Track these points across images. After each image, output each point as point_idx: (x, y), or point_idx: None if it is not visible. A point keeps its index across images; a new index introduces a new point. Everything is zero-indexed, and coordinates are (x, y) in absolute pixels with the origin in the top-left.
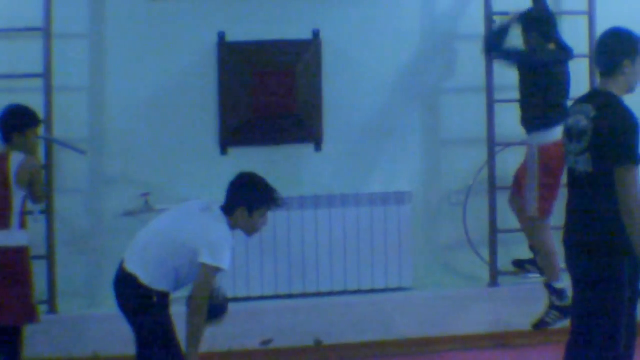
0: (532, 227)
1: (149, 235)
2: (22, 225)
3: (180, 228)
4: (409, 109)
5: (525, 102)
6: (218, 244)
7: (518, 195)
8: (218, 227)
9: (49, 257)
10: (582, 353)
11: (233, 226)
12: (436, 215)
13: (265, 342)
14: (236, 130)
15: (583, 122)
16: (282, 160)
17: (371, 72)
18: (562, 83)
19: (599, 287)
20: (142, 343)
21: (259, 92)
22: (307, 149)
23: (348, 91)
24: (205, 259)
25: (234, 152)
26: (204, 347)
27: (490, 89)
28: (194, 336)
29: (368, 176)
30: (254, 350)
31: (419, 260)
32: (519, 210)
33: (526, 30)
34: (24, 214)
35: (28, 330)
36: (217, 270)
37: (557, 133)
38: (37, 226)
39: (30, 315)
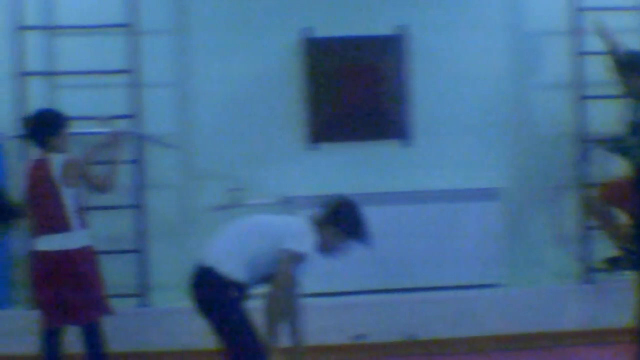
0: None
1: (227, 232)
2: (83, 224)
3: (262, 219)
4: (498, 105)
5: None
6: (301, 233)
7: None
8: (303, 224)
9: (141, 251)
10: None
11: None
12: (527, 212)
13: (358, 337)
14: (324, 126)
15: None
16: (370, 156)
17: (459, 68)
18: None
19: None
20: (224, 341)
21: (346, 88)
22: (395, 145)
23: (435, 87)
24: (287, 245)
25: (322, 147)
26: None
27: (579, 84)
28: (270, 325)
29: (457, 172)
30: (346, 344)
31: (511, 257)
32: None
33: (626, 76)
34: (81, 212)
35: (120, 323)
36: (298, 256)
37: None
38: (128, 220)
39: (102, 310)
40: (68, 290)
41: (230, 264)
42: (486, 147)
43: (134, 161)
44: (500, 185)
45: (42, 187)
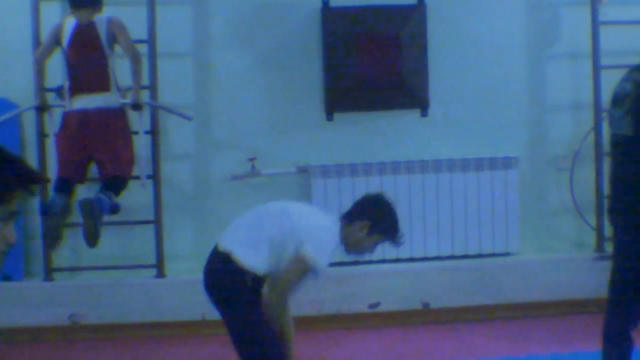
0: None
1: (246, 216)
2: (119, 87)
3: (286, 206)
4: (515, 75)
5: None
6: (324, 240)
7: None
8: (329, 225)
9: (157, 222)
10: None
11: (343, 236)
12: (543, 181)
13: (373, 305)
14: (341, 96)
15: (628, 87)
16: (388, 126)
17: (476, 37)
18: None
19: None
20: (235, 339)
21: (363, 58)
22: (413, 114)
23: (454, 57)
24: (306, 250)
25: (339, 118)
26: (313, 310)
27: (596, 54)
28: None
29: (474, 141)
30: (361, 313)
31: (526, 226)
32: None
33: None
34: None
35: (136, 294)
36: (311, 268)
37: None
38: (144, 191)
39: (128, 172)
40: (101, 145)
41: (246, 253)
42: (504, 116)
43: (150, 132)
44: (518, 154)
45: (89, 48)
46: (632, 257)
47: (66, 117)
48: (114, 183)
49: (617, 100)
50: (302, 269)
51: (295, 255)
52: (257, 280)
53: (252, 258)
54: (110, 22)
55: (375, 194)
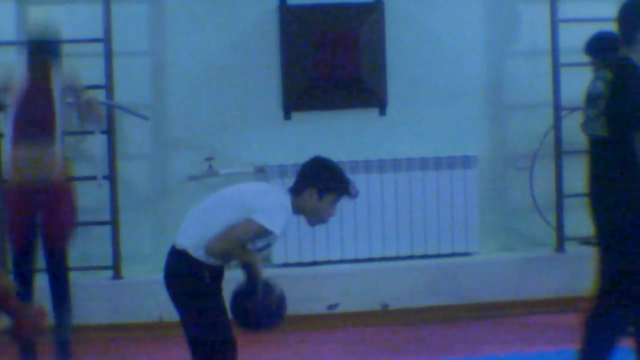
0: None
1: (200, 208)
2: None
3: (235, 190)
4: (474, 73)
5: None
6: (275, 208)
7: None
8: (280, 197)
9: (113, 223)
10: (614, 313)
11: (297, 209)
12: (502, 179)
13: (332, 307)
14: (299, 94)
15: (600, 86)
16: (346, 124)
17: (435, 35)
18: None
19: (623, 246)
20: (191, 337)
21: (321, 56)
22: (371, 113)
23: (412, 55)
24: (256, 216)
25: (297, 117)
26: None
27: (555, 52)
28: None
29: (433, 140)
30: (320, 314)
31: (485, 225)
32: None
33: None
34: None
35: (93, 296)
36: (263, 229)
37: None
38: (100, 191)
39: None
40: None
41: (200, 245)
42: (463, 115)
43: (106, 131)
44: (477, 153)
45: (39, 95)
46: (615, 253)
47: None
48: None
49: (590, 100)
50: (248, 225)
51: (243, 221)
52: (217, 272)
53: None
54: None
55: (311, 158)
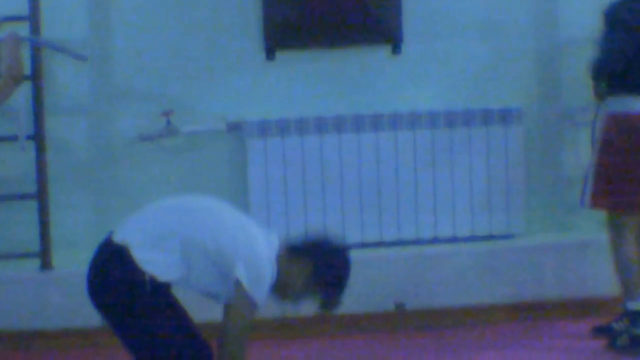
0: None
1: (158, 206)
2: None
3: (215, 206)
4: (518, 0)
5: None
6: (261, 267)
7: None
8: (265, 249)
9: (40, 197)
10: None
11: (278, 269)
12: (555, 139)
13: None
14: (286, 28)
15: None
16: (350, 66)
17: None
18: None
19: None
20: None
21: None
22: (382, 51)
23: None
24: (241, 274)
25: (282, 56)
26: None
27: None
28: None
29: (463, 88)
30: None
31: (533, 199)
32: None
33: None
34: None
35: (17, 291)
36: (253, 304)
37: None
38: (24, 156)
39: None
40: None
41: (148, 250)
42: (501, 55)
43: (30, 77)
44: (521, 104)
45: None
46: None
47: None
48: None
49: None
50: (247, 305)
51: (235, 295)
52: (158, 286)
53: (155, 259)
54: None
55: (338, 241)
